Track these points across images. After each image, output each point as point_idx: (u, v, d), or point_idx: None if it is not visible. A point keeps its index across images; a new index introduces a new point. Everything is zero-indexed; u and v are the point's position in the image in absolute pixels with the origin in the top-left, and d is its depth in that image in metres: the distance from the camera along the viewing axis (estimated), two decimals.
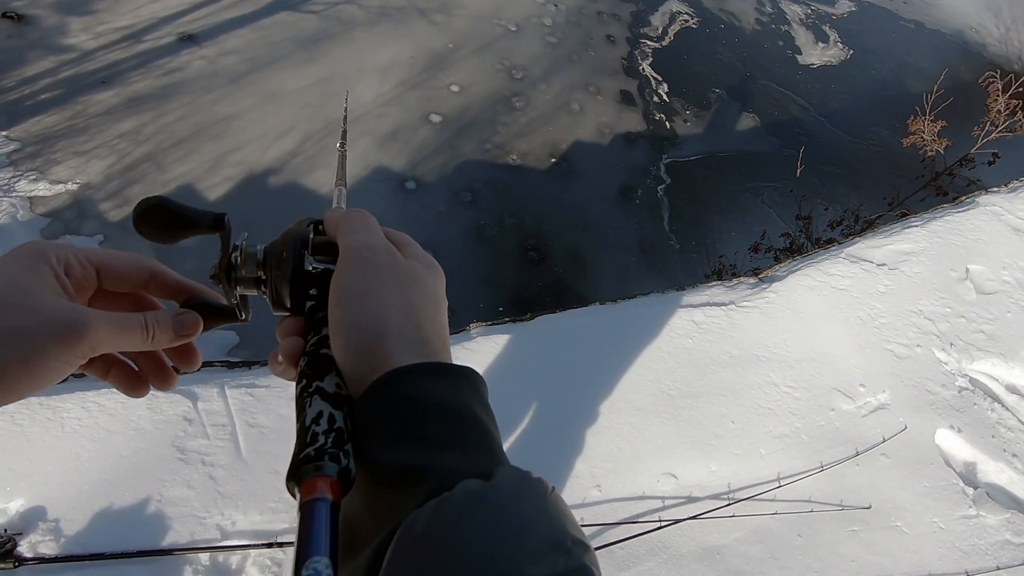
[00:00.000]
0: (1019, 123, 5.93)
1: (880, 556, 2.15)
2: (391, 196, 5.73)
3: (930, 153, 6.18)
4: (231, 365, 2.10)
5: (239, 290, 0.45)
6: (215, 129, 5.82)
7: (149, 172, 5.39)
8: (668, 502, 2.15)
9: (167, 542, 1.70)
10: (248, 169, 5.59)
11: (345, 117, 0.89)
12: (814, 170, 6.99)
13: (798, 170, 5.93)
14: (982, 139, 6.05)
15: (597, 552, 1.91)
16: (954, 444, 2.50)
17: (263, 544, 1.72)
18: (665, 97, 7.75)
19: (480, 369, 2.32)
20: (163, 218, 0.42)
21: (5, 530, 1.62)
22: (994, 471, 2.45)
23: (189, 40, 6.51)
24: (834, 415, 2.47)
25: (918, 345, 2.76)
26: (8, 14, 6.10)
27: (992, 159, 5.79)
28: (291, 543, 1.71)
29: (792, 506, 2.17)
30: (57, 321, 0.37)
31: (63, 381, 0.44)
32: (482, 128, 6.62)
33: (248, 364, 2.11)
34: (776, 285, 2.85)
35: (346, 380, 0.39)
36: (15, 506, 1.68)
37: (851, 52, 9.40)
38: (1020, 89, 6.01)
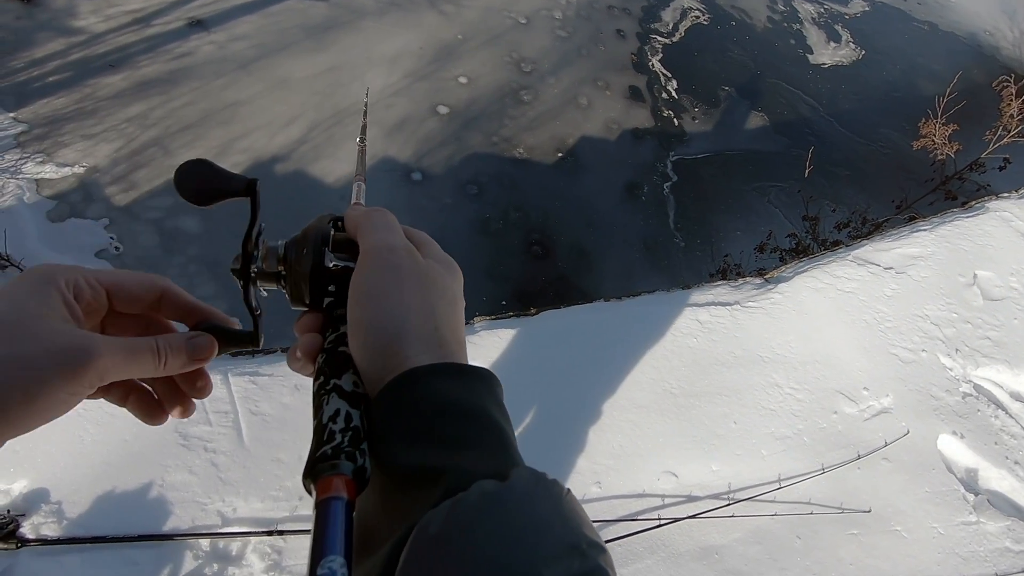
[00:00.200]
0: None
1: (879, 560, 2.14)
2: (397, 187, 5.72)
3: (940, 157, 6.13)
4: (235, 353, 2.10)
5: (259, 284, 0.45)
6: (223, 115, 5.81)
7: (156, 157, 5.39)
8: (668, 500, 2.15)
9: (168, 527, 1.71)
10: (255, 156, 5.58)
11: (365, 112, 0.89)
12: (822, 171, 6.95)
13: (806, 170, 5.88)
14: (994, 143, 6.00)
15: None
16: (956, 450, 2.49)
17: (263, 532, 1.73)
18: (674, 94, 7.70)
19: (483, 362, 2.32)
20: (202, 176, 0.43)
21: (8, 511, 1.63)
22: (996, 478, 2.44)
23: (198, 25, 6.49)
24: (837, 418, 2.47)
25: (923, 350, 2.75)
26: None
27: (1003, 164, 5.73)
28: (291, 531, 1.73)
29: (792, 508, 2.17)
30: (62, 349, 0.35)
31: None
32: (489, 121, 6.59)
33: (252, 352, 2.11)
34: (782, 286, 2.84)
35: (363, 379, 0.39)
36: (18, 487, 1.69)
37: (863, 52, 9.32)
38: None
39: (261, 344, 0.45)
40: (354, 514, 0.31)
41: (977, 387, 2.70)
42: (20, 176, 4.91)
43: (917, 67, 9.38)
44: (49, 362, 0.34)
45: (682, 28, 8.74)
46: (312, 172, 5.57)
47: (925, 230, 3.25)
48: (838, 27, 9.68)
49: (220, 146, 5.58)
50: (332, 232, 0.45)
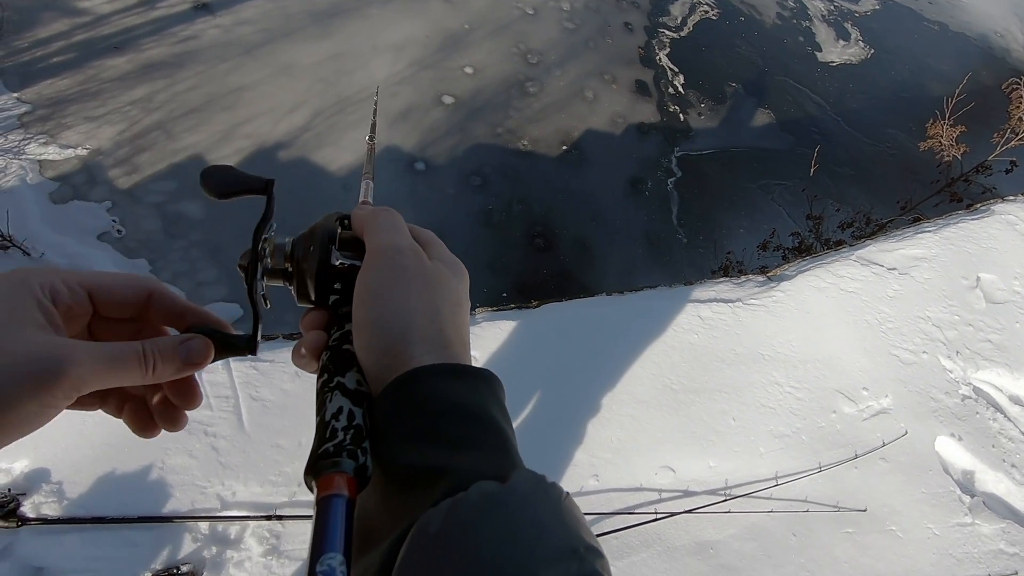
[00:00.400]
0: None
1: (873, 559, 2.16)
2: (400, 176, 5.71)
3: (947, 158, 6.10)
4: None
5: (265, 282, 0.44)
6: (227, 100, 5.78)
7: (159, 140, 5.37)
8: (665, 495, 2.16)
9: (168, 509, 1.72)
10: (259, 142, 5.56)
11: (375, 111, 0.88)
12: (827, 170, 6.91)
13: (811, 169, 5.86)
14: (1001, 146, 5.97)
15: None
16: (954, 452, 2.50)
17: (262, 516, 1.74)
18: (681, 89, 7.65)
19: (484, 354, 2.33)
20: (225, 174, 0.44)
21: (9, 490, 1.64)
22: (992, 481, 2.45)
23: (204, 8, 6.45)
24: (835, 417, 2.47)
25: (924, 351, 2.74)
26: None
27: (1010, 167, 5.71)
28: (290, 516, 1.73)
29: (788, 505, 2.18)
30: (31, 358, 0.32)
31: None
32: (494, 112, 6.56)
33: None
34: (784, 284, 2.83)
35: (367, 378, 0.39)
36: (19, 467, 1.70)
37: (872, 51, 9.25)
38: None
39: (258, 351, 0.44)
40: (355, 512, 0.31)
41: (977, 390, 2.70)
42: (23, 157, 4.90)
43: (926, 67, 9.31)
44: (17, 373, 0.32)
45: (690, 23, 8.68)
46: (315, 160, 5.55)
47: (929, 232, 3.24)
48: (847, 25, 9.60)
49: (224, 131, 5.56)
50: (339, 230, 0.46)
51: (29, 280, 0.36)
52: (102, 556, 1.61)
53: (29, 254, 4.17)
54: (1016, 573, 2.18)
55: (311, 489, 0.33)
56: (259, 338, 0.44)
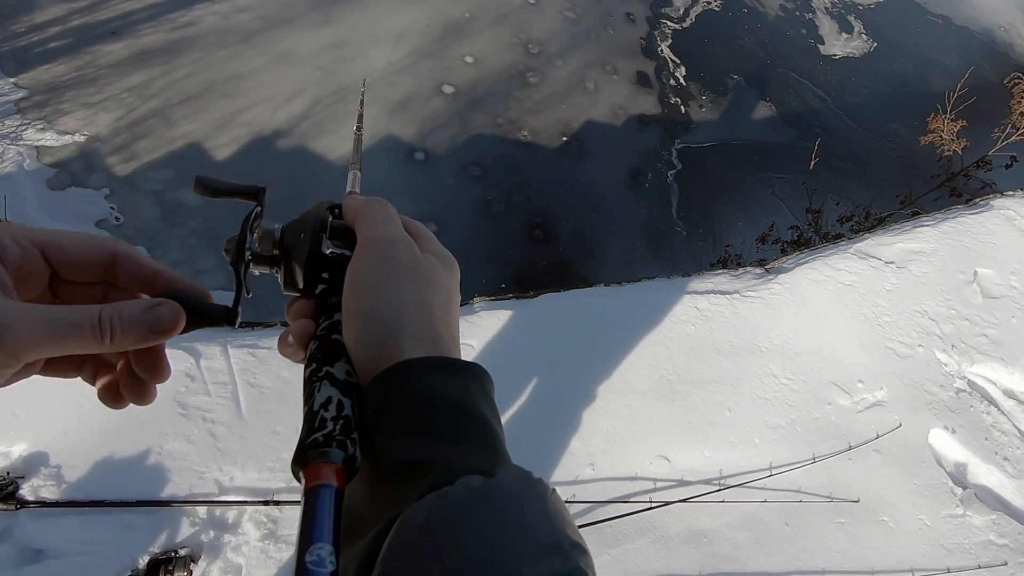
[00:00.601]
0: None
1: (865, 549, 2.18)
2: (399, 166, 5.69)
3: (947, 153, 6.09)
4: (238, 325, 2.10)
5: (251, 267, 0.43)
6: (225, 87, 5.75)
7: (157, 128, 5.35)
8: (659, 484, 2.17)
9: (166, 493, 1.73)
10: (257, 130, 5.54)
11: (362, 102, 0.88)
12: (828, 164, 6.90)
13: (812, 163, 5.85)
14: (1002, 141, 5.96)
15: (587, 529, 1.94)
16: (947, 444, 2.52)
17: (260, 501, 1.75)
18: (682, 81, 7.61)
19: (481, 343, 2.34)
20: (217, 181, 0.43)
21: (8, 473, 1.65)
22: (984, 473, 2.47)
23: None
24: (830, 409, 2.48)
25: (920, 345, 2.76)
26: None
27: (1011, 162, 5.70)
28: (287, 502, 1.75)
29: (782, 495, 2.20)
30: None
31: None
32: (495, 102, 6.53)
33: (251, 325, 2.12)
34: (782, 277, 2.84)
35: (356, 369, 0.39)
36: (17, 450, 1.71)
37: (875, 45, 9.20)
38: None
39: (237, 323, 0.41)
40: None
41: (971, 383, 2.72)
42: (20, 143, 4.87)
43: (929, 61, 9.27)
44: None
45: (693, 14, 8.62)
46: (314, 148, 5.53)
47: (928, 226, 3.24)
48: (851, 17, 9.54)
49: (222, 119, 5.53)
50: (330, 219, 0.45)
51: None
52: (100, 539, 1.62)
53: None
54: (1005, 563, 2.21)
55: (299, 479, 0.32)
56: (239, 309, 0.42)
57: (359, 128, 0.77)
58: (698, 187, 6.55)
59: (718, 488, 2.15)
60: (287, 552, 1.72)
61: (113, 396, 0.40)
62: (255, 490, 1.80)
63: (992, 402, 2.68)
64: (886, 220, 4.86)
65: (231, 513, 1.75)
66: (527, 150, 6.28)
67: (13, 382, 0.35)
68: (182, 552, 1.63)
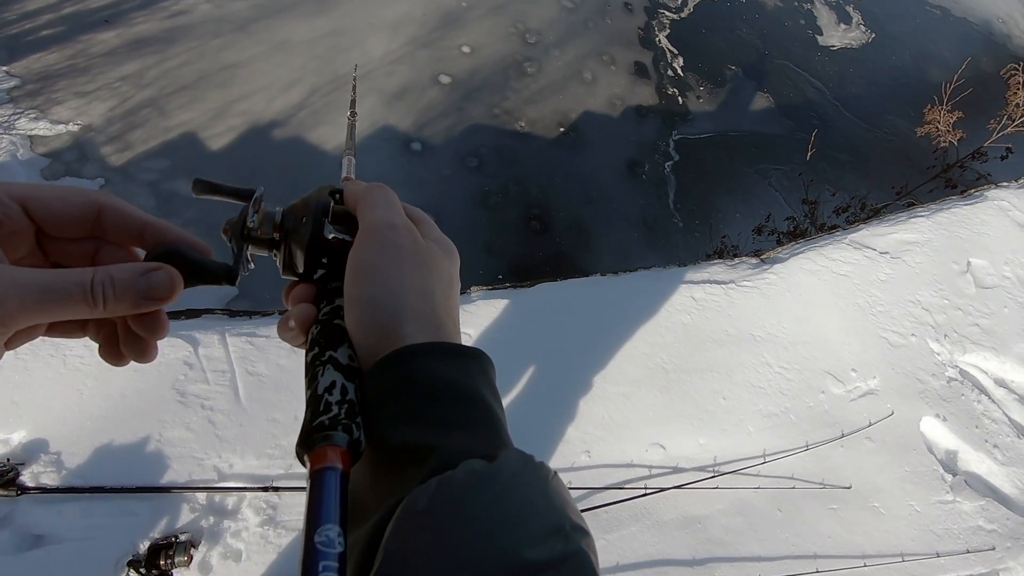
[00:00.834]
0: None
1: (856, 535, 2.21)
2: (396, 156, 5.67)
3: (943, 144, 6.10)
4: (232, 313, 2.11)
5: (250, 249, 0.43)
6: (220, 77, 5.70)
7: (151, 117, 5.31)
8: (655, 471, 2.20)
9: (165, 480, 1.74)
10: (252, 120, 5.50)
11: (354, 87, 0.88)
12: (825, 155, 6.91)
13: (808, 154, 5.86)
14: (997, 132, 5.97)
15: (583, 515, 1.97)
16: (938, 432, 2.55)
17: (259, 487, 1.77)
18: (680, 71, 7.59)
19: (479, 332, 2.35)
20: (214, 183, 0.44)
21: (8, 460, 1.66)
22: (975, 460, 2.51)
23: None
24: (824, 397, 2.51)
25: (913, 334, 2.78)
26: None
27: (1006, 154, 5.72)
28: (286, 488, 1.76)
29: (775, 482, 2.23)
30: None
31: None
32: (492, 92, 6.50)
33: (249, 314, 2.12)
34: (777, 267, 2.85)
35: (358, 354, 0.39)
36: (17, 437, 1.72)
37: (873, 36, 9.18)
38: None
39: (238, 282, 0.41)
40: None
41: (963, 372, 2.75)
42: (13, 132, 4.83)
43: (927, 53, 9.25)
44: None
45: (691, 3, 8.57)
46: (310, 138, 5.50)
47: (922, 216, 3.26)
48: (849, 8, 9.51)
49: (217, 108, 5.49)
50: (332, 204, 0.45)
51: None
52: (101, 525, 1.63)
53: None
54: (993, 548, 2.25)
55: (303, 463, 0.32)
56: (241, 268, 0.41)
57: (353, 114, 0.78)
58: (695, 178, 6.55)
59: (712, 475, 2.18)
60: (287, 538, 1.74)
61: (114, 354, 0.39)
62: (254, 477, 1.82)
63: (983, 391, 2.71)
64: (881, 211, 4.88)
65: (230, 499, 1.77)
66: (524, 141, 6.26)
67: (18, 345, 0.35)
68: (182, 537, 1.65)
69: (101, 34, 5.71)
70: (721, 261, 2.88)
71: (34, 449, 1.71)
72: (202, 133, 5.33)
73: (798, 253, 2.95)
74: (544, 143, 6.32)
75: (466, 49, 6.77)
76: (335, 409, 0.34)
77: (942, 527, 2.29)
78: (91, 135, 5.05)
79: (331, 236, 0.43)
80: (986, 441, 2.53)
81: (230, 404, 1.91)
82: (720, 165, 6.79)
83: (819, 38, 8.90)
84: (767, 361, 2.55)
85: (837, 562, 2.10)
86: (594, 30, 7.62)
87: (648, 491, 2.04)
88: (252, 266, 0.44)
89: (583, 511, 1.97)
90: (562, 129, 6.47)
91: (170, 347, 1.92)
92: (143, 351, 0.39)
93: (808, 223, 5.23)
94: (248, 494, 1.77)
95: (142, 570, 1.56)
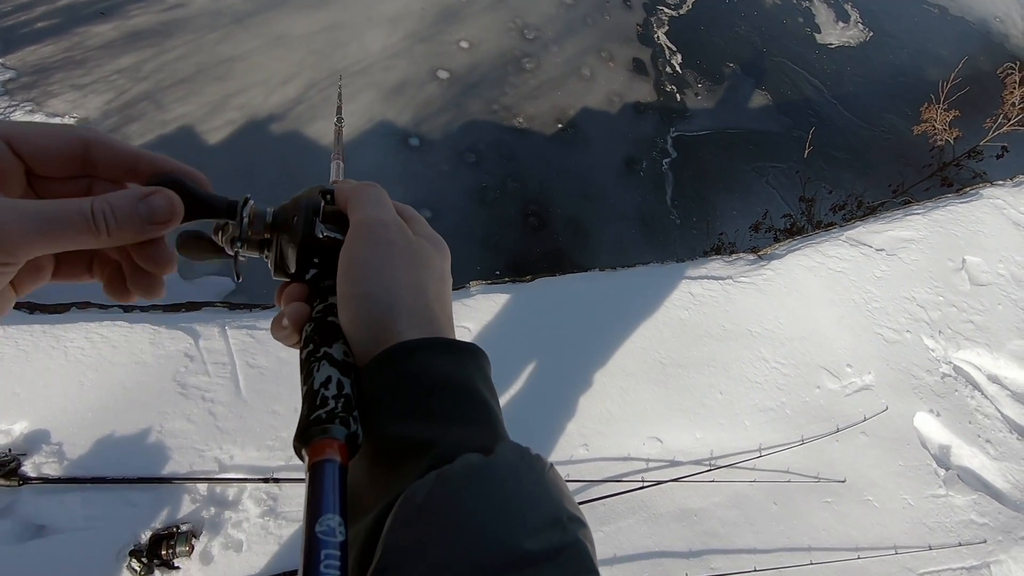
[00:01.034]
0: None
1: (850, 527, 2.24)
2: (394, 152, 5.66)
3: (939, 143, 6.13)
4: (232, 306, 2.12)
5: (241, 250, 0.42)
6: (218, 70, 5.68)
7: (148, 111, 5.28)
8: (652, 464, 2.22)
9: (166, 471, 1.75)
10: (250, 114, 5.48)
11: (340, 94, 0.89)
12: (822, 153, 6.93)
13: (806, 152, 5.88)
14: (993, 131, 6.01)
15: (580, 507, 1.99)
16: (932, 427, 2.58)
17: (260, 479, 1.78)
18: (678, 68, 7.59)
19: (478, 326, 2.36)
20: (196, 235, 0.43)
21: (10, 450, 1.67)
22: (967, 455, 2.54)
23: None
24: (819, 392, 2.54)
25: (908, 331, 2.81)
26: None
27: (1001, 152, 5.76)
28: (287, 480, 1.78)
29: (771, 475, 2.25)
30: None
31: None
32: (490, 88, 6.48)
33: (250, 307, 2.13)
34: (775, 263, 2.87)
35: (353, 351, 0.39)
36: (19, 428, 1.72)
37: (871, 34, 9.19)
38: None
39: (239, 220, 0.40)
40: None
41: (957, 368, 2.78)
42: None
43: (925, 52, 9.27)
44: None
45: (690, 0, 8.56)
46: (308, 133, 5.49)
47: (918, 214, 3.28)
48: (847, 6, 9.51)
49: (214, 102, 5.47)
50: (323, 203, 0.45)
51: None
52: (102, 515, 1.64)
53: None
54: (984, 541, 2.28)
55: (301, 457, 0.33)
56: (246, 213, 0.40)
57: (340, 120, 0.78)
58: (693, 175, 6.56)
59: (709, 468, 2.20)
60: (287, 529, 1.76)
61: (119, 290, 0.38)
62: (255, 468, 1.83)
63: (976, 387, 2.74)
64: (878, 209, 4.91)
65: (231, 490, 1.78)
66: (522, 137, 6.26)
67: (27, 291, 0.35)
68: (184, 528, 1.66)
69: (97, 26, 5.67)
70: (719, 257, 2.89)
71: (36, 440, 1.71)
72: (199, 127, 5.30)
73: (795, 250, 2.97)
74: (542, 139, 6.32)
75: (465, 44, 6.76)
76: (332, 403, 0.34)
77: (934, 520, 2.32)
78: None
79: (323, 235, 0.43)
80: (979, 436, 2.56)
81: (231, 396, 1.92)
82: (718, 162, 6.80)
83: (817, 36, 8.91)
84: (764, 356, 2.57)
85: (831, 554, 2.13)
86: (593, 26, 7.61)
87: (645, 484, 2.06)
88: (240, 279, 0.43)
89: (581, 503, 1.99)
90: (560, 125, 6.47)
91: (171, 339, 1.93)
92: (151, 287, 0.38)
93: (805, 220, 5.25)
94: (249, 485, 1.78)
95: (144, 560, 1.57)
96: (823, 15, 9.25)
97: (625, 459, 2.22)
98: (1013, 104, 5.85)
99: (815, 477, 2.30)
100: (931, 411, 2.59)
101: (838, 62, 8.60)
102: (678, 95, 7.30)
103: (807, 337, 2.67)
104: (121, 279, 0.38)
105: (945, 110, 5.98)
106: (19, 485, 1.61)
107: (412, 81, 6.21)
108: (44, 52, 5.38)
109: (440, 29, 6.78)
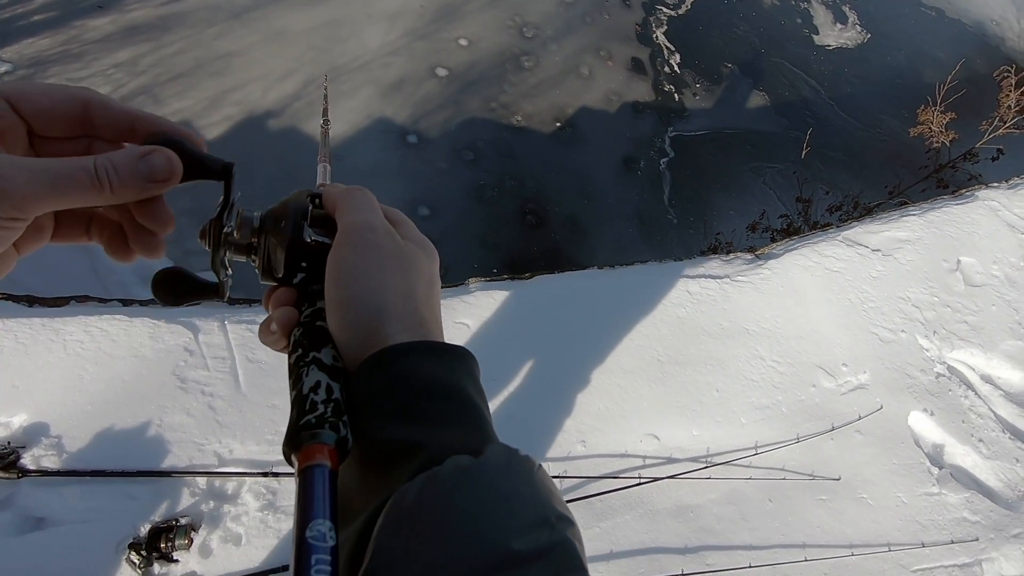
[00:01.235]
0: None
1: (844, 524, 2.26)
2: (392, 149, 5.65)
3: (936, 145, 6.17)
4: (232, 301, 2.12)
5: (228, 255, 0.42)
6: (215, 65, 5.66)
7: (145, 105, 5.25)
8: (648, 461, 2.23)
9: (166, 464, 1.76)
10: (248, 109, 5.47)
11: (325, 96, 0.89)
12: (819, 154, 6.97)
13: (803, 153, 5.91)
14: (989, 134, 6.05)
15: (577, 504, 2.00)
16: (926, 426, 2.60)
17: (259, 473, 1.79)
18: (676, 68, 7.61)
19: (477, 323, 2.37)
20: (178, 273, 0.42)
21: (9, 443, 1.67)
22: (960, 454, 2.57)
23: None
24: (815, 391, 2.56)
25: (902, 331, 2.83)
26: None
27: (997, 155, 5.80)
28: (286, 474, 1.78)
29: (766, 473, 2.27)
30: None
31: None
32: (489, 86, 6.49)
33: (249, 302, 2.13)
34: (772, 263, 2.89)
35: (342, 355, 0.39)
36: (18, 421, 1.72)
37: (869, 36, 9.23)
38: None
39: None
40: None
41: (951, 368, 2.80)
42: None
43: (921, 53, 9.32)
44: None
45: (689, 0, 8.58)
46: (306, 129, 5.48)
47: (914, 215, 3.31)
48: (845, 8, 9.55)
49: (212, 98, 5.45)
50: (310, 207, 0.44)
51: None
52: (101, 508, 1.64)
53: None
54: (976, 539, 2.31)
55: (291, 462, 0.33)
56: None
57: (326, 122, 0.79)
58: (690, 175, 6.58)
59: (705, 465, 2.22)
60: (286, 523, 1.76)
61: (121, 249, 0.39)
62: (254, 462, 1.83)
63: (970, 386, 2.77)
64: (874, 210, 4.94)
65: (230, 484, 1.78)
66: (521, 135, 6.27)
67: (27, 252, 0.36)
68: (183, 521, 1.66)
69: (95, 20, 5.64)
70: (717, 256, 2.91)
71: (35, 432, 1.71)
72: (197, 122, 5.29)
73: (792, 249, 2.99)
74: (540, 138, 6.33)
75: (463, 42, 6.76)
76: (321, 408, 0.34)
77: (928, 518, 2.35)
78: None
79: (311, 239, 0.43)
80: (972, 435, 2.59)
81: (230, 390, 1.92)
82: (715, 162, 6.83)
83: (815, 37, 8.94)
84: (760, 354, 2.59)
85: (825, 551, 2.15)
86: (592, 25, 7.62)
87: (642, 480, 2.07)
88: (231, 272, 0.43)
89: (577, 500, 2.00)
90: (558, 124, 6.48)
91: (170, 333, 1.93)
92: (152, 246, 0.39)
93: (802, 221, 5.28)
94: (248, 479, 1.78)
95: (143, 552, 1.57)
96: (821, 16, 9.28)
97: (622, 456, 2.23)
98: (1009, 107, 5.89)
99: (810, 475, 2.32)
100: (925, 410, 2.62)
101: (835, 63, 8.63)
102: (676, 95, 7.32)
103: (803, 336, 2.69)
104: (121, 239, 0.39)
105: (941, 112, 6.01)
106: (18, 477, 1.61)
107: (411, 78, 6.21)
108: (41, 45, 5.35)
109: (439, 26, 6.77)
